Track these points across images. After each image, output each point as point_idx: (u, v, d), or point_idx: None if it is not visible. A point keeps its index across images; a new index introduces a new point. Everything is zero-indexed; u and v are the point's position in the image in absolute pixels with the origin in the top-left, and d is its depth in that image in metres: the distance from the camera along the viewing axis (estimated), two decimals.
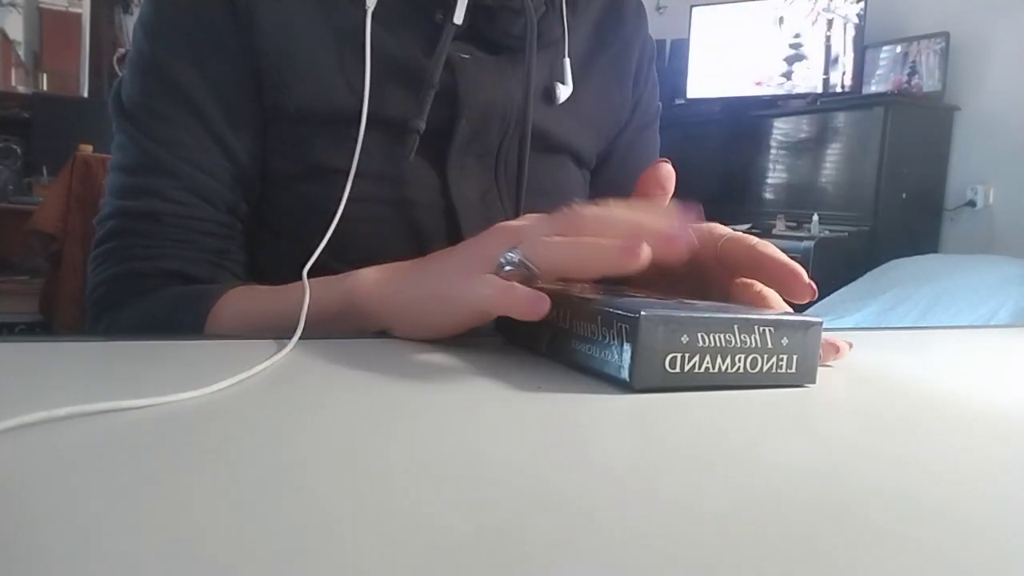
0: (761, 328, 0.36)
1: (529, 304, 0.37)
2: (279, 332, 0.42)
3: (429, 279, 0.43)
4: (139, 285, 0.56)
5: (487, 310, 0.39)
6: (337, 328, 0.46)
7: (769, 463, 0.26)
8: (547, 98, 0.65)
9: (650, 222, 0.38)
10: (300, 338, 0.40)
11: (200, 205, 0.57)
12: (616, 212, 0.40)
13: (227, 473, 0.22)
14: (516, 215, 0.61)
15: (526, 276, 0.39)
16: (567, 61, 0.65)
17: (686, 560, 0.18)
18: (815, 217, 3.12)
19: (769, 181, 3.61)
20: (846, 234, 3.08)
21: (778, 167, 3.58)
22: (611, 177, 0.73)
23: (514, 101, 0.61)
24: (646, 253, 0.36)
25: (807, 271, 0.44)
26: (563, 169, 0.68)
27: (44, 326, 2.03)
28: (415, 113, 0.57)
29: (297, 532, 0.18)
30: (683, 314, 0.35)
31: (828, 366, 0.43)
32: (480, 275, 0.40)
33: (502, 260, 0.39)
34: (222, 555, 0.17)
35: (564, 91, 0.65)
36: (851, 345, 0.44)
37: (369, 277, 0.46)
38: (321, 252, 0.50)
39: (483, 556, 0.18)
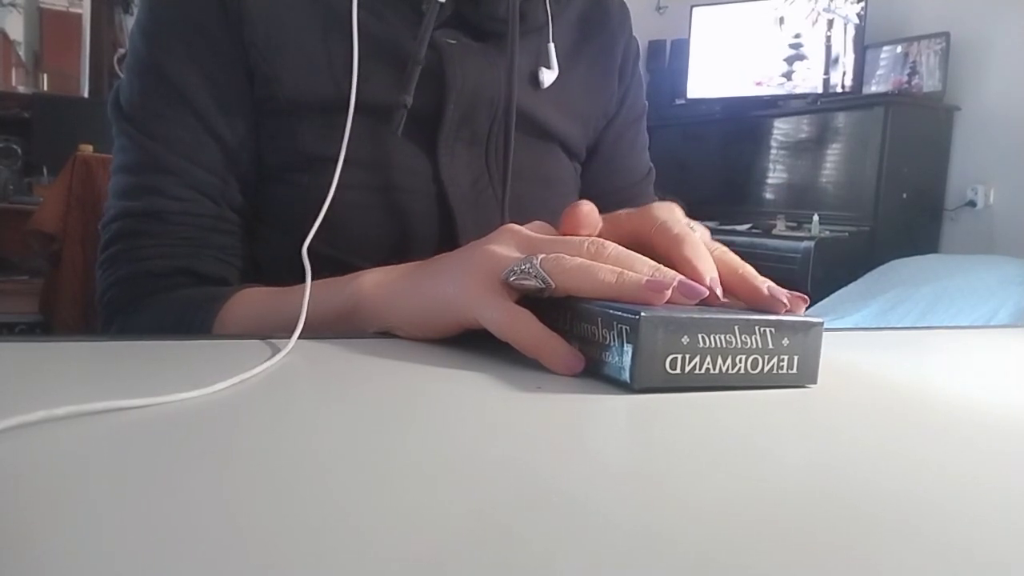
0: (762, 329, 0.36)
1: (564, 361, 0.37)
2: (286, 333, 0.42)
3: (432, 282, 0.43)
4: (149, 285, 0.57)
5: (493, 333, 0.39)
6: (343, 329, 0.46)
7: (770, 462, 0.26)
8: (533, 83, 0.66)
9: (671, 272, 0.39)
10: (300, 337, 0.40)
11: (202, 201, 0.58)
12: (637, 254, 0.40)
13: (227, 473, 0.22)
14: (505, 202, 0.63)
15: (537, 288, 0.39)
16: (551, 46, 0.66)
17: (687, 559, 0.18)
18: (815, 217, 3.12)
19: (769, 181, 3.61)
20: (846, 234, 3.07)
21: (778, 167, 3.58)
22: (599, 170, 0.75)
23: (501, 86, 0.62)
24: (668, 295, 0.37)
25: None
26: (553, 157, 0.69)
27: (44, 326, 2.03)
28: (402, 88, 0.57)
29: (297, 531, 0.18)
30: (683, 315, 0.35)
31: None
32: (488, 290, 0.40)
33: (515, 268, 0.39)
34: (222, 555, 0.17)
35: (549, 75, 0.66)
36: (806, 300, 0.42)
37: (374, 279, 0.46)
38: (318, 240, 0.50)
39: (483, 555, 0.18)
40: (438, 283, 0.42)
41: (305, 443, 0.25)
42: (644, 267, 0.39)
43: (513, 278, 0.39)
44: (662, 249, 0.41)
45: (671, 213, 0.44)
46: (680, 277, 0.38)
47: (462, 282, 0.41)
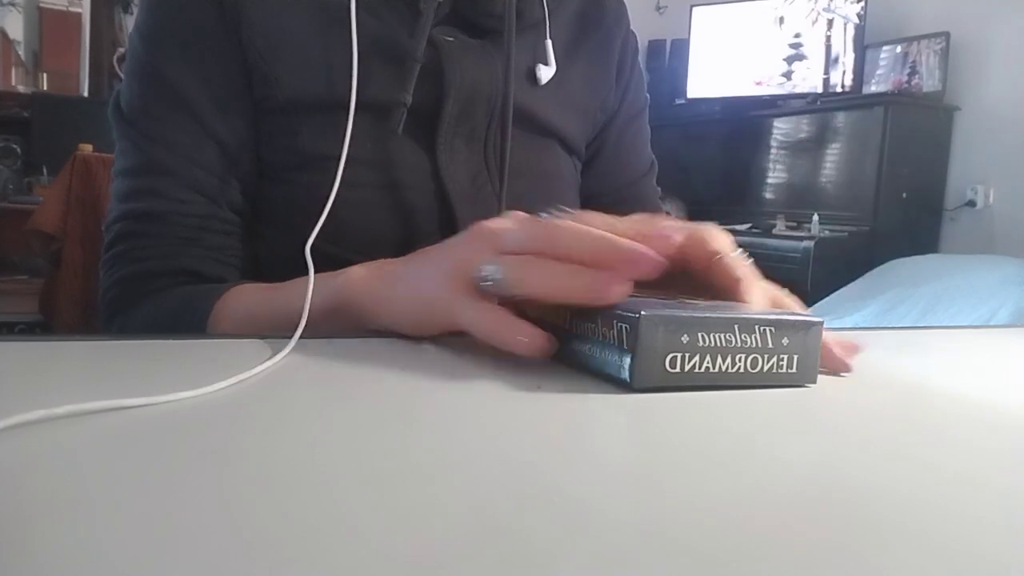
0: (762, 328, 0.36)
1: (529, 344, 0.37)
2: (278, 328, 0.42)
3: (415, 280, 0.43)
4: (149, 285, 0.58)
5: (471, 333, 0.39)
6: (332, 325, 0.46)
7: (771, 462, 0.26)
8: (531, 80, 0.66)
9: (621, 243, 0.37)
10: (300, 338, 0.40)
11: (201, 203, 0.59)
12: (592, 231, 0.38)
13: (227, 473, 0.22)
14: (502, 198, 0.63)
15: (505, 293, 0.39)
16: (548, 43, 0.66)
17: (688, 559, 0.18)
18: (815, 217, 3.12)
19: (769, 181, 3.61)
20: (846, 234, 3.07)
21: (778, 167, 3.58)
22: (604, 167, 0.75)
23: (499, 83, 0.63)
24: (617, 292, 0.36)
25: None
26: (551, 153, 0.69)
27: (44, 326, 2.03)
28: (401, 87, 0.58)
29: (297, 532, 0.18)
30: (683, 314, 0.35)
31: (835, 375, 0.42)
32: (465, 292, 0.39)
33: (483, 273, 0.39)
34: (221, 555, 0.17)
35: (547, 72, 0.66)
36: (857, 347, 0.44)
37: (359, 274, 0.46)
38: (319, 239, 0.50)
39: (484, 555, 0.18)
40: (418, 284, 0.43)
41: (305, 443, 0.25)
42: (595, 248, 0.37)
43: (482, 284, 0.39)
44: (719, 284, 0.43)
45: (727, 243, 0.45)
46: (630, 253, 0.36)
47: (437, 284, 0.41)
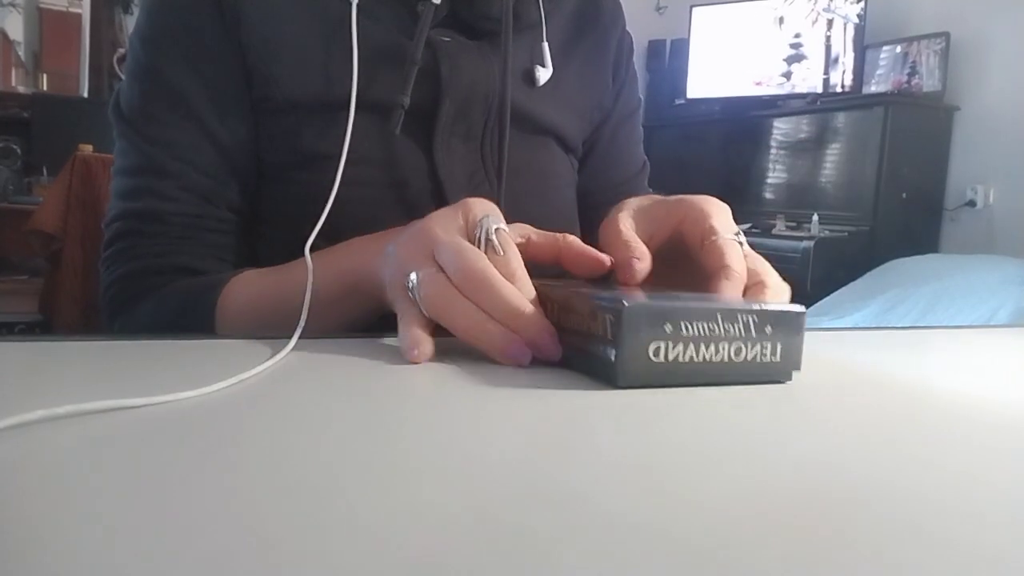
0: (744, 317, 0.37)
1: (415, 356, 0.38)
2: (287, 314, 0.43)
3: (391, 266, 0.44)
4: (148, 282, 0.59)
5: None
6: (345, 306, 0.47)
7: (770, 460, 0.26)
8: (528, 81, 0.67)
9: (530, 323, 0.38)
10: (301, 337, 0.40)
11: (198, 203, 0.60)
12: (514, 298, 0.39)
13: (227, 472, 0.22)
14: (500, 196, 0.63)
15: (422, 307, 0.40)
16: (545, 45, 0.67)
17: (687, 555, 0.18)
18: (815, 217, 3.12)
19: (769, 181, 3.61)
20: (846, 234, 3.07)
21: (778, 167, 3.57)
22: (596, 166, 0.76)
23: (495, 83, 0.63)
24: (520, 359, 0.38)
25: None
26: (548, 151, 0.70)
27: (44, 326, 2.03)
28: (399, 89, 0.58)
29: (297, 531, 0.18)
30: (666, 304, 0.35)
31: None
32: (402, 291, 0.41)
33: (408, 281, 0.40)
34: (222, 554, 0.17)
35: (544, 73, 0.67)
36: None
37: (367, 253, 0.47)
38: (317, 237, 0.51)
39: (483, 552, 0.18)
40: (391, 271, 0.44)
41: (305, 442, 0.25)
42: (500, 310, 0.38)
43: (410, 294, 0.40)
44: (707, 266, 0.43)
45: (724, 220, 0.46)
46: (530, 336, 0.38)
47: (394, 279, 0.42)
